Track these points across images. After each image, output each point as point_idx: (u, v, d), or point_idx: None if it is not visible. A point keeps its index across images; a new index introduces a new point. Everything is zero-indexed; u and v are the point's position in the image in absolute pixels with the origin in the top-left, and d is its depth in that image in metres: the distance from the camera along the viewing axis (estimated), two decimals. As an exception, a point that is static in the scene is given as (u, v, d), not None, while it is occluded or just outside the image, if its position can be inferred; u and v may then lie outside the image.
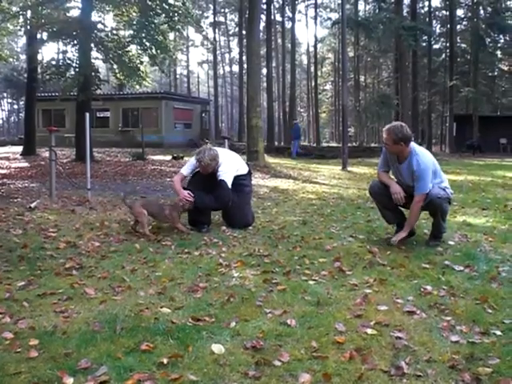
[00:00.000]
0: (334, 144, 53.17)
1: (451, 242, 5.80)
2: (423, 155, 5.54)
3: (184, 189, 6.74)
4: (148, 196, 10.48)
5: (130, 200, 7.10)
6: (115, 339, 3.17)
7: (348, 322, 3.42)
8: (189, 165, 6.97)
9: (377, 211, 8.00)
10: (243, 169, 7.15)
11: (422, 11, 50.50)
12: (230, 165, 6.86)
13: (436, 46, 53.33)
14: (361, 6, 57.32)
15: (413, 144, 5.59)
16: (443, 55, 52.75)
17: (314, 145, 47.89)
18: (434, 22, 52.26)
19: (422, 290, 4.08)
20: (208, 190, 6.70)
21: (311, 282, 4.35)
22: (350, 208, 8.62)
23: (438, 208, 5.57)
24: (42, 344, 3.12)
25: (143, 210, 6.47)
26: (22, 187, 12.57)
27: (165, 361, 2.86)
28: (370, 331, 3.26)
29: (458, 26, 48.53)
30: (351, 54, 52.83)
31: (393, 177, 5.93)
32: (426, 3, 49.54)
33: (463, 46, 50.17)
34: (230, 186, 6.70)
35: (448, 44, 46.20)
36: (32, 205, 8.63)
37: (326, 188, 12.43)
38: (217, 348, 3.02)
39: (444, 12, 52.06)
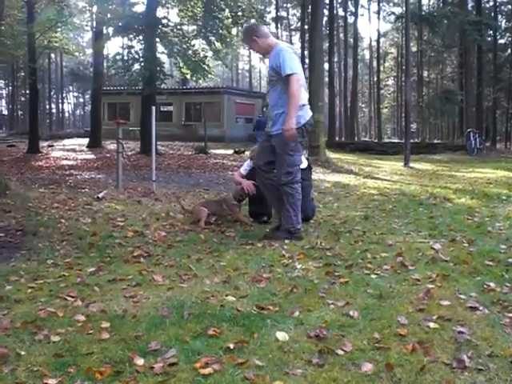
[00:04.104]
0: (396, 140, 52.46)
1: (515, 240, 5.69)
2: (287, 50, 5.79)
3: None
4: (211, 190, 10.67)
5: (188, 208, 7.44)
6: (183, 324, 3.28)
7: (410, 316, 3.43)
8: (246, 164, 7.11)
9: (439, 208, 8.02)
10: (302, 164, 7.18)
11: (487, 5, 49.18)
12: None
13: (501, 41, 51.83)
14: (425, 1, 56.11)
15: (280, 44, 5.96)
16: (509, 50, 51.30)
17: (376, 140, 47.42)
18: (500, 16, 50.79)
19: (485, 286, 4.03)
20: None
21: (373, 276, 4.37)
22: (412, 204, 8.55)
23: (283, 193, 5.89)
24: (113, 327, 3.26)
25: (203, 208, 6.77)
26: (88, 178, 12.96)
27: (231, 346, 2.95)
28: (432, 325, 3.27)
29: (524, 21, 47.15)
30: (414, 49, 51.75)
31: None
32: (491, -3, 48.34)
33: (529, 41, 48.70)
34: None
35: (514, 39, 44.97)
36: (100, 195, 8.91)
37: (387, 184, 12.35)
38: (281, 335, 3.09)
39: (510, 6, 50.48)
